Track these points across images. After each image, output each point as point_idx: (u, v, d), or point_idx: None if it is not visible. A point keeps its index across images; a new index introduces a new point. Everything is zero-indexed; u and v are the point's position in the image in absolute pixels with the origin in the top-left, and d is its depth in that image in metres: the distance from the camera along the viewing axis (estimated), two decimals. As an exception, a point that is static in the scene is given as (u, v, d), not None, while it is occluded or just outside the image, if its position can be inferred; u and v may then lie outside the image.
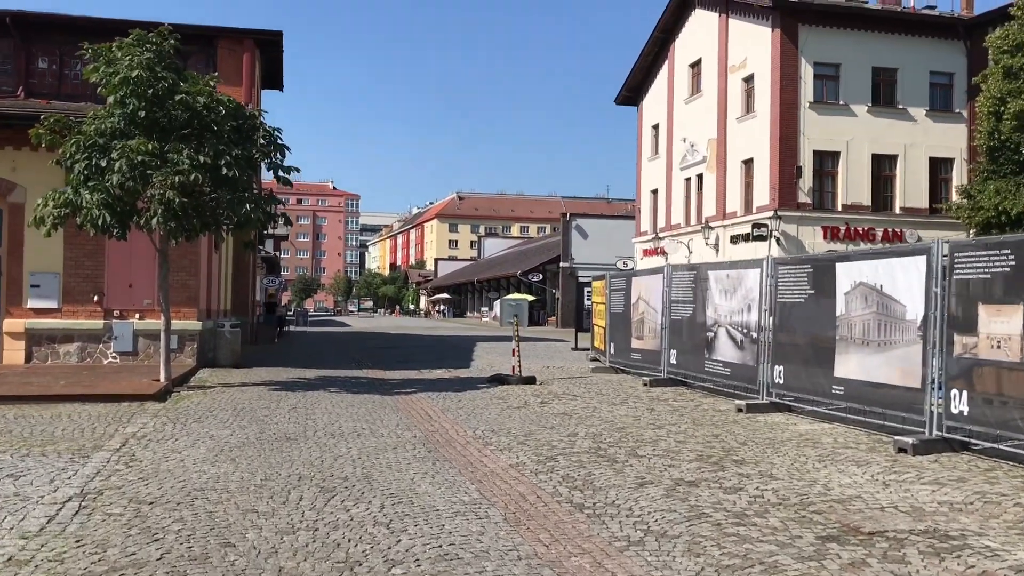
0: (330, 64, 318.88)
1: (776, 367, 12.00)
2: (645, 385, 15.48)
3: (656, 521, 6.27)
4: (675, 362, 15.24)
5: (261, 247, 36.56)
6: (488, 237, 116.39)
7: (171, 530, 5.86)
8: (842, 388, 10.56)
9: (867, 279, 10.20)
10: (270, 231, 35.32)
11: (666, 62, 44.34)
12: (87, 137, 13.41)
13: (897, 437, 9.20)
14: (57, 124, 13.81)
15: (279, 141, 14.74)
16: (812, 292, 11.35)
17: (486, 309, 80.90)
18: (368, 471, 7.99)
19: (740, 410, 12.10)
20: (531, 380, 16.20)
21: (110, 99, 13.55)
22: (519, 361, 16.52)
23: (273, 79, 30.74)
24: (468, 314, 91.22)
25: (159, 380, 14.44)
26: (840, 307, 10.67)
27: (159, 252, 14.67)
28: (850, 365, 10.43)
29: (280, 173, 14.53)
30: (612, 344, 18.62)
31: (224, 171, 13.48)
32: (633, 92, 48.08)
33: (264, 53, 28.58)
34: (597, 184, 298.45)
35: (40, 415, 11.32)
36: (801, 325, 11.54)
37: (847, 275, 10.58)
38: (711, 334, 13.85)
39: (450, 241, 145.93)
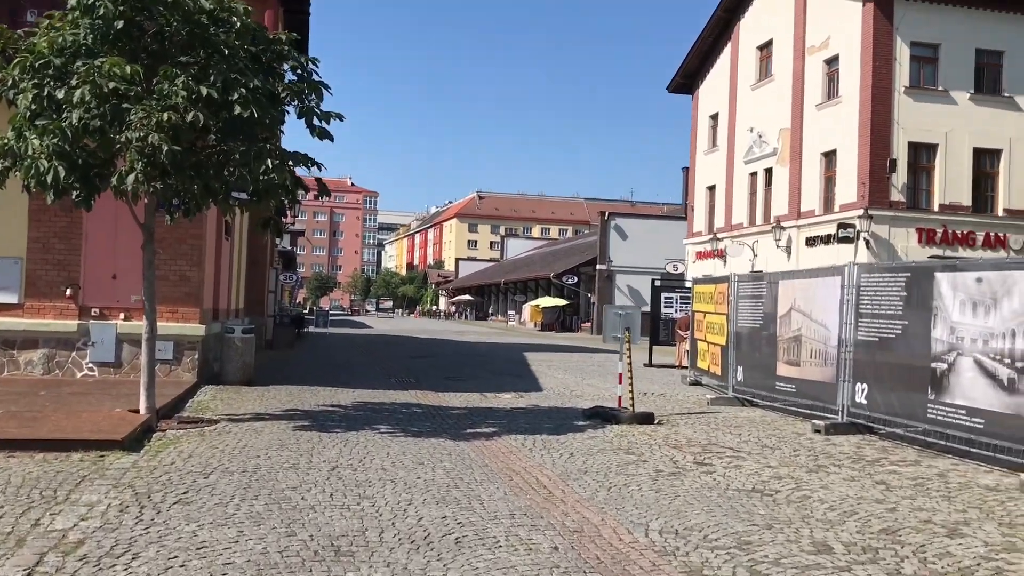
0: (349, 57, 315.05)
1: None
2: (818, 432, 11.07)
3: None
4: (864, 401, 10.81)
5: (281, 237, 32.30)
6: (510, 237, 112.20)
7: None
8: None
9: None
10: (290, 218, 31.03)
11: (729, 44, 40.01)
12: (37, 55, 9.16)
13: None
14: (-3, 38, 9.53)
15: (315, 77, 10.45)
16: None
17: (513, 312, 76.62)
18: None
19: (1030, 490, 7.73)
20: (649, 418, 11.83)
21: (72, 1, 9.29)
22: (632, 392, 12.14)
23: (297, 46, 26.50)
24: (491, 317, 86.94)
25: (138, 411, 10.15)
26: None
27: (143, 228, 10.34)
28: None
29: (316, 121, 10.22)
30: (740, 368, 14.19)
31: (237, 110, 9.16)
32: (688, 78, 43.76)
33: (288, 13, 24.57)
34: (620, 187, 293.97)
35: (-70, 479, 7.03)
36: None
37: None
38: (942, 365, 9.42)
39: (469, 241, 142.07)
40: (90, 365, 14.37)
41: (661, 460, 9.06)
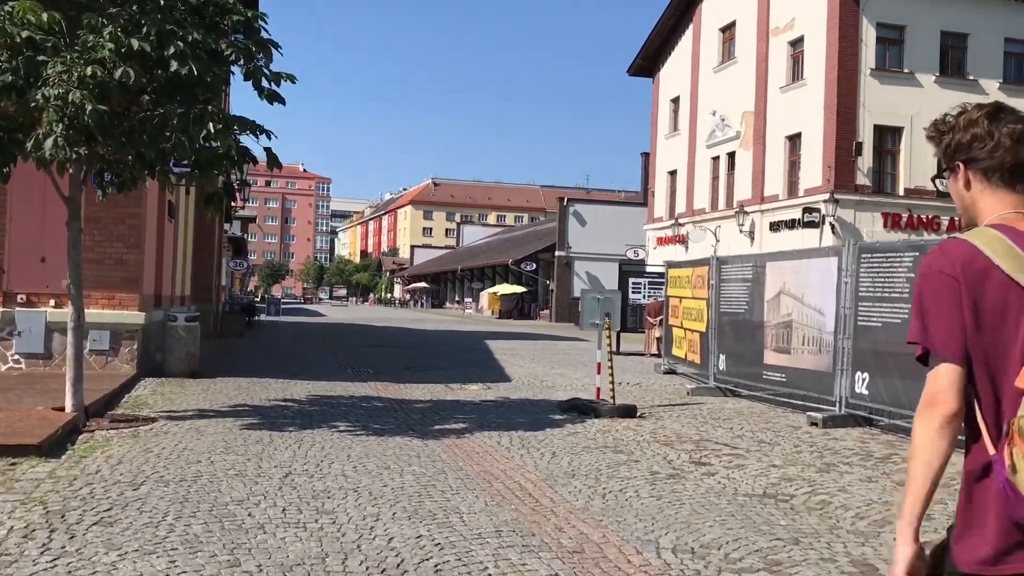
0: (300, 41, 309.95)
1: None
2: (815, 425, 10.21)
3: None
4: (865, 392, 10.02)
5: (229, 220, 30.86)
6: (466, 224, 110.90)
7: None
8: None
9: None
10: (240, 202, 29.68)
11: (690, 26, 39.30)
12: (-63, 0, 7.93)
13: None
14: None
15: (264, 34, 9.32)
16: None
17: (470, 300, 75.56)
18: None
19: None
20: (631, 411, 10.93)
21: (-21, -62, 8.06)
22: (612, 382, 11.22)
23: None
24: (448, 304, 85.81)
25: (63, 408, 8.99)
26: None
27: (67, 203, 9.15)
28: None
29: (265, 83, 9.11)
30: (722, 356, 13.36)
31: (174, 66, 8.03)
32: (649, 61, 43.00)
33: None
34: (575, 174, 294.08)
35: None
36: None
37: None
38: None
39: (424, 228, 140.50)
40: (16, 357, 13.11)
41: (654, 460, 8.15)
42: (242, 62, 9.08)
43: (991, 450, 1.93)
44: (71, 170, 8.90)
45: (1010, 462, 1.86)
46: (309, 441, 8.48)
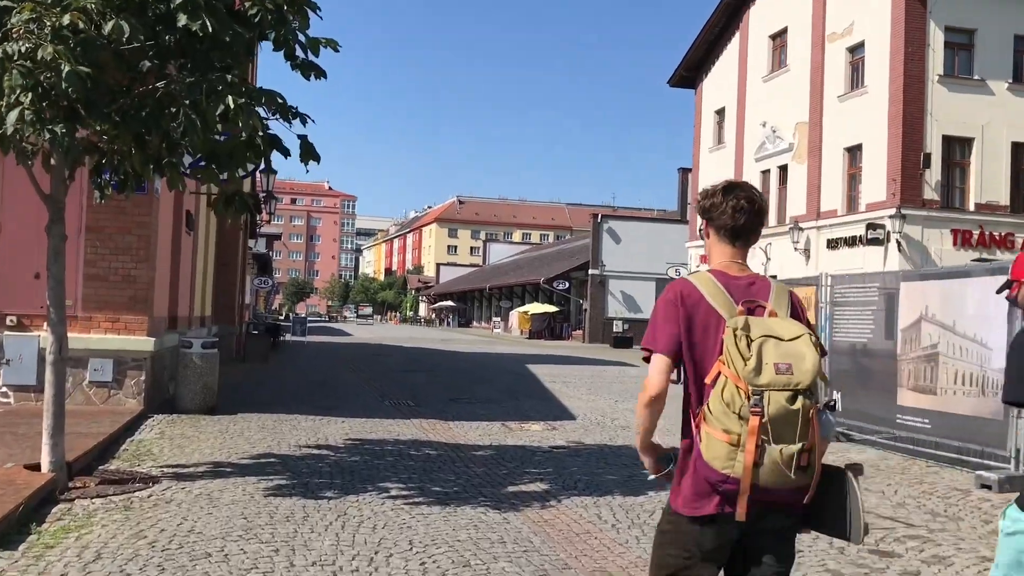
0: (326, 61, 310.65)
1: None
2: (987, 488, 8.04)
3: None
4: (1058, 446, 7.88)
5: (258, 225, 29.02)
6: (492, 242, 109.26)
7: None
8: None
9: None
10: (264, 217, 27.82)
11: (737, 34, 37.37)
12: None
13: None
14: None
15: (299, -8, 7.37)
16: None
17: (498, 319, 73.55)
18: None
19: None
20: (746, 465, 8.85)
21: None
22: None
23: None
24: (475, 323, 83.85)
25: (38, 467, 7.00)
26: None
27: (47, 202, 7.19)
28: None
29: (299, 52, 7.16)
30: (837, 394, 11.22)
31: (183, 21, 6.09)
32: (692, 71, 41.08)
33: None
34: (601, 192, 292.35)
35: None
36: None
37: None
38: None
39: (449, 246, 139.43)
40: (4, 389, 11.20)
41: (817, 547, 6.05)
42: (272, 29, 7.10)
43: (694, 429, 2.69)
44: (53, 159, 6.95)
45: (699, 437, 2.64)
46: (355, 515, 6.41)
